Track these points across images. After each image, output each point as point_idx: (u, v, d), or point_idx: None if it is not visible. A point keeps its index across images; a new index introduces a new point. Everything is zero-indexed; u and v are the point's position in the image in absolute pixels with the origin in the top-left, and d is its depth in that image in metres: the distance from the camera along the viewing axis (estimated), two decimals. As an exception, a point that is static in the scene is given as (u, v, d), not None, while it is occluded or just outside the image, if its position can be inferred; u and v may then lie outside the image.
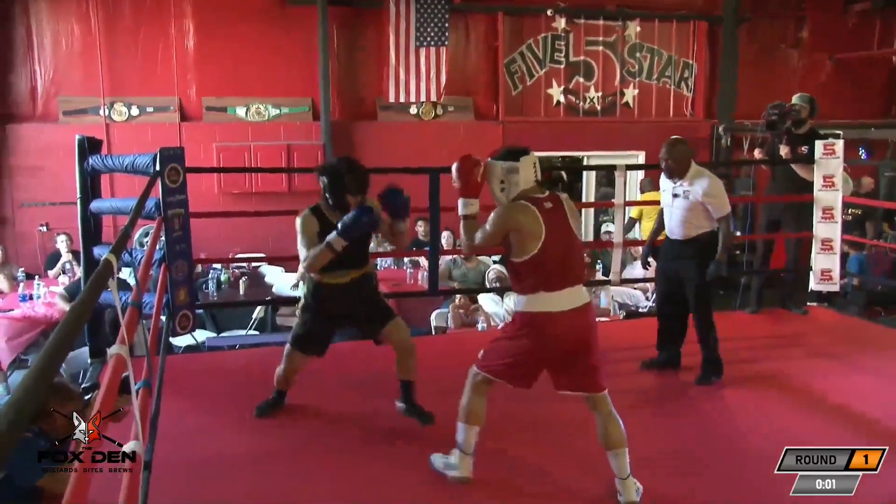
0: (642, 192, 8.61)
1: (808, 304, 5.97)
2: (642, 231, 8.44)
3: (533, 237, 2.81)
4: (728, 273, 4.24)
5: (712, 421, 3.88)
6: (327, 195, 3.42)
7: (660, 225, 4.57)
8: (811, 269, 5.65)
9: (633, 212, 8.26)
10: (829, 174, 5.46)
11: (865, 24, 11.11)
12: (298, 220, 3.42)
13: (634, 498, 2.89)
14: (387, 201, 3.43)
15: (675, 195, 4.25)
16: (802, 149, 5.53)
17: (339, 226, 3.25)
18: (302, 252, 3.38)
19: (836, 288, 5.69)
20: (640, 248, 5.46)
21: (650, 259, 4.70)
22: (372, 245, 3.89)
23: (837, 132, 5.77)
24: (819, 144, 5.45)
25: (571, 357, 2.89)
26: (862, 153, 10.63)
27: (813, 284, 5.72)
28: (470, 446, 3.02)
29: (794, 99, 5.62)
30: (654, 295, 5.88)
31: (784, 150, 5.59)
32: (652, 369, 4.48)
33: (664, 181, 4.37)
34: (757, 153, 6.09)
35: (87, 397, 2.70)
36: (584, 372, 2.91)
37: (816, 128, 5.73)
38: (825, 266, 5.59)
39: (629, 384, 4.35)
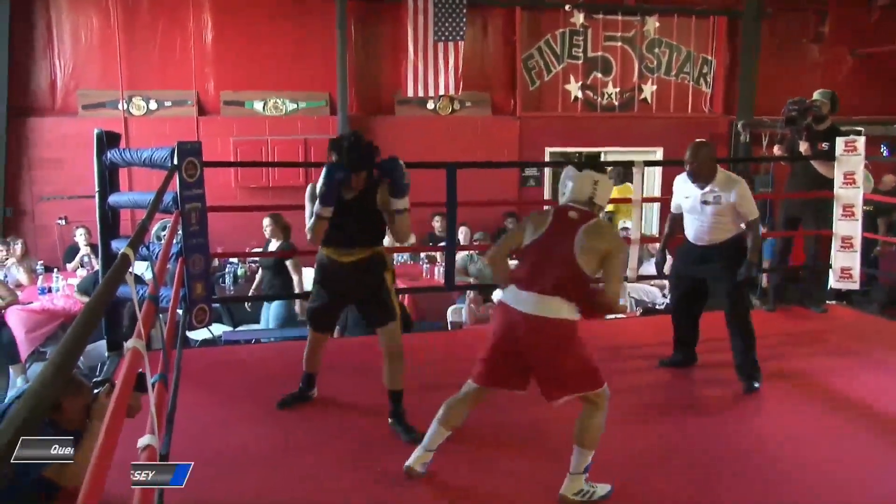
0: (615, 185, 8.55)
1: (827, 301, 5.90)
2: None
3: (532, 234, 2.93)
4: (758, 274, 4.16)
5: (723, 420, 3.84)
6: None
7: (671, 230, 4.49)
8: (830, 267, 5.60)
9: (608, 207, 8.12)
10: (850, 171, 5.40)
11: (888, 18, 10.94)
12: (307, 189, 3.46)
13: (566, 493, 2.85)
14: (382, 171, 3.38)
15: (706, 202, 4.09)
16: (823, 145, 5.47)
17: (318, 193, 3.30)
18: (307, 222, 3.44)
19: (856, 286, 5.63)
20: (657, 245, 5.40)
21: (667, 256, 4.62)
22: (387, 241, 3.85)
23: (859, 129, 5.68)
24: (840, 141, 5.39)
25: (526, 360, 2.84)
26: (884, 150, 10.49)
27: (832, 282, 5.67)
28: (433, 444, 3.03)
29: (816, 95, 5.56)
30: (670, 294, 5.83)
31: (804, 147, 5.53)
32: (668, 367, 4.45)
33: (685, 186, 4.20)
34: (776, 149, 6.04)
35: (96, 391, 2.70)
36: (543, 380, 2.86)
37: (837, 124, 5.66)
38: (845, 264, 5.54)
39: (641, 381, 4.33)
